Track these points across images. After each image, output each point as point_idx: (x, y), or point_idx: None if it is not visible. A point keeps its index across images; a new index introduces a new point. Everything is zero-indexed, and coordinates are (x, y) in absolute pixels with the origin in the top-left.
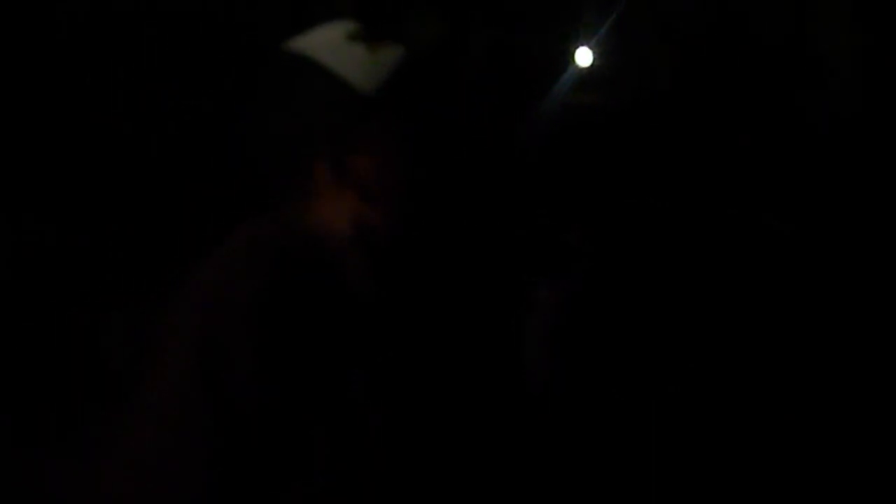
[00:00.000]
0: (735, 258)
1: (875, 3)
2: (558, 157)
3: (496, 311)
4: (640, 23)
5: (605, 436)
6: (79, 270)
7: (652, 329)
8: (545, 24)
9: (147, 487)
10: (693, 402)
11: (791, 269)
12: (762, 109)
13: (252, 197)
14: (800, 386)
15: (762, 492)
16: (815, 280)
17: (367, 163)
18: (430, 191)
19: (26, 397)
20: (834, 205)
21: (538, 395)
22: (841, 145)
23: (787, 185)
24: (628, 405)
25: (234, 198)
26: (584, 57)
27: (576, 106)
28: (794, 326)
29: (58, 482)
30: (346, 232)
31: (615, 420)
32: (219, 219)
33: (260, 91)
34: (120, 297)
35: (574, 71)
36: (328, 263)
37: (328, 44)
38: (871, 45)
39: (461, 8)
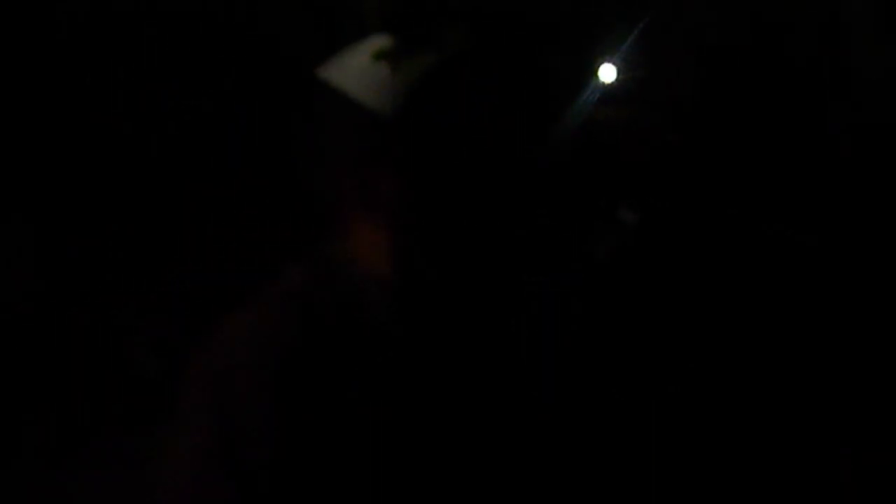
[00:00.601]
0: (756, 270)
1: None
2: (578, 170)
3: (505, 315)
4: (666, 36)
5: (605, 436)
6: (104, 276)
7: (658, 332)
8: (569, 39)
9: None
10: (695, 405)
11: (815, 282)
12: (790, 121)
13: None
14: (811, 396)
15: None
16: (839, 293)
17: (390, 186)
18: (453, 208)
19: (51, 402)
20: (862, 217)
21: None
22: (871, 157)
23: (813, 197)
24: (629, 405)
25: (251, 204)
26: (608, 73)
27: (599, 121)
28: (818, 339)
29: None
30: (377, 269)
31: (616, 420)
32: (236, 223)
33: (288, 118)
34: (146, 301)
35: (598, 86)
36: (359, 308)
37: (350, 66)
38: None
39: (486, 23)
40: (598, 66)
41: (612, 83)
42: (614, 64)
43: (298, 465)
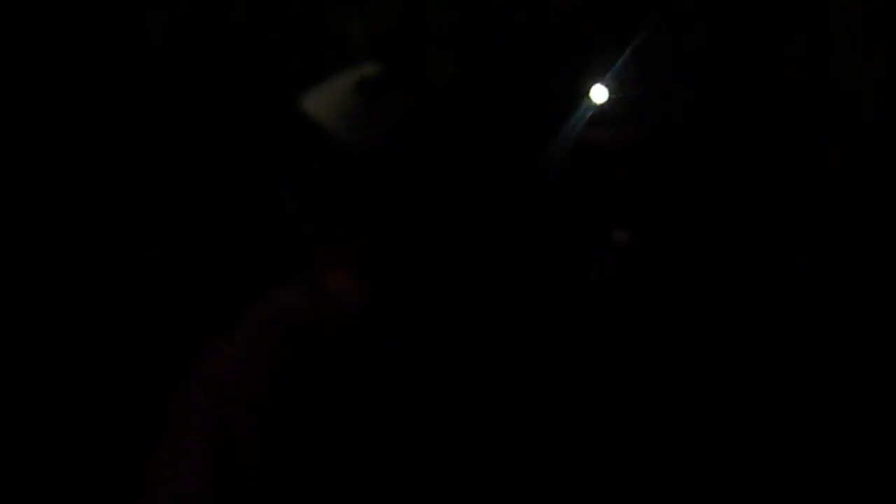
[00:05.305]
0: (750, 294)
1: None
2: (570, 191)
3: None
4: (657, 56)
5: (606, 445)
6: (91, 310)
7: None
8: (559, 60)
9: None
10: (694, 414)
11: (807, 305)
12: (782, 143)
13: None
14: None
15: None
16: (830, 314)
17: (361, 231)
18: (429, 255)
19: (49, 437)
20: (854, 239)
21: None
22: (863, 180)
23: (805, 220)
24: (631, 417)
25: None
26: (599, 94)
27: (591, 142)
28: (810, 365)
29: None
30: (354, 309)
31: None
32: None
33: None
34: (140, 337)
35: (589, 107)
36: (342, 340)
37: (329, 98)
38: (894, 78)
39: (474, 49)
40: (590, 87)
41: (604, 104)
42: (605, 85)
43: (293, 479)
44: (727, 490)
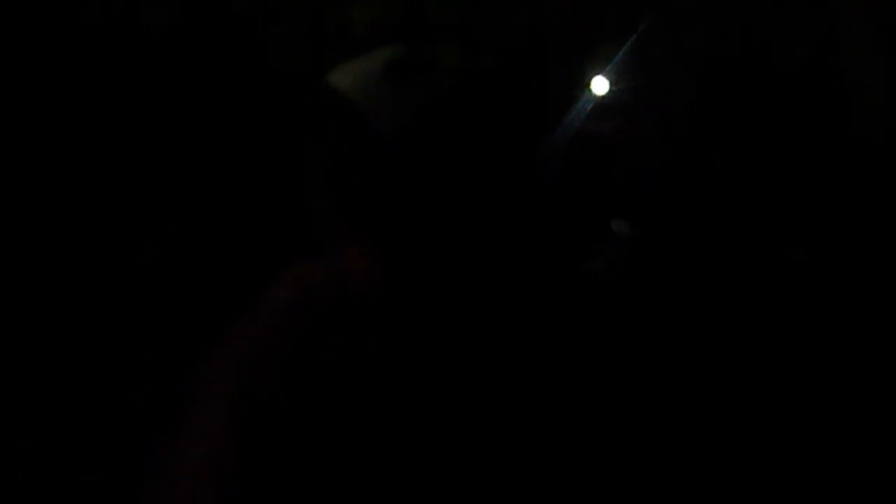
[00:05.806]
0: (751, 287)
1: None
2: (570, 182)
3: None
4: (659, 49)
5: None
6: (100, 308)
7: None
8: (560, 51)
9: None
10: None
11: (808, 297)
12: (785, 135)
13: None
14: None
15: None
16: (831, 308)
17: (376, 207)
18: (449, 233)
19: (49, 437)
20: (858, 232)
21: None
22: (865, 178)
23: (809, 213)
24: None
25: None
26: (600, 86)
27: (591, 133)
28: (810, 362)
29: None
30: (367, 286)
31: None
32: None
33: (290, 125)
34: (140, 337)
35: (589, 100)
36: (361, 313)
37: (357, 76)
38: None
39: (476, 38)
40: (591, 79)
41: (605, 95)
42: (606, 76)
43: (314, 455)
44: (727, 490)
